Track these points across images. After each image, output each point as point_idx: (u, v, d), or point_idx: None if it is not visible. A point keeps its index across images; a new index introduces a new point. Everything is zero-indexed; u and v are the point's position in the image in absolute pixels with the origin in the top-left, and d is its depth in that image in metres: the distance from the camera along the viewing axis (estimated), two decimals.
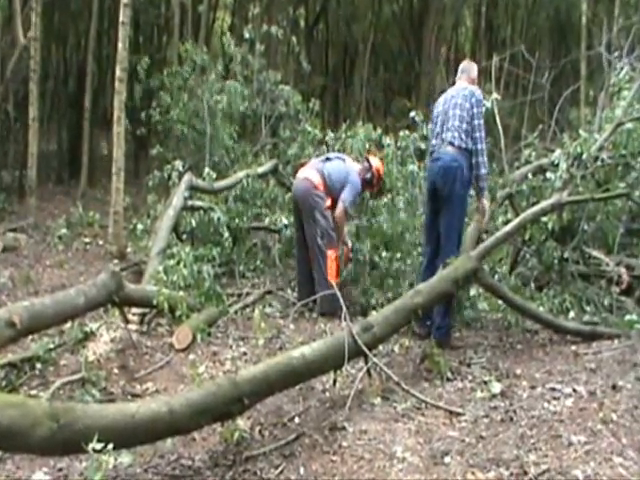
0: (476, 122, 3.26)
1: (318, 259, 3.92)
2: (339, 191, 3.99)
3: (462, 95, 3.32)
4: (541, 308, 3.49)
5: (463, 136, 3.26)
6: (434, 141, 3.44)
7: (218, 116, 6.34)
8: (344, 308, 2.70)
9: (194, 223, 4.72)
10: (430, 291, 2.86)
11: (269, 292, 4.42)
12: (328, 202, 3.99)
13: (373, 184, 4.24)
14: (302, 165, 4.38)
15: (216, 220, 4.66)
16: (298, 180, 4.10)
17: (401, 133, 5.20)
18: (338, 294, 2.88)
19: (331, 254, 3.93)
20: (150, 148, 7.15)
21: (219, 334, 3.51)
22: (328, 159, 4.19)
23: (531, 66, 6.00)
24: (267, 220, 5.10)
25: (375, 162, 4.24)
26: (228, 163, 6.32)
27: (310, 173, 4.06)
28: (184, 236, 4.77)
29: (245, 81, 6.70)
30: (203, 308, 3.65)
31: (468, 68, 3.50)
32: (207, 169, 5.13)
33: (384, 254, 4.25)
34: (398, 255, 4.23)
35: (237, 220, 4.98)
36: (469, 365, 3.01)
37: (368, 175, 4.16)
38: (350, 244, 4.24)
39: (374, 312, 3.05)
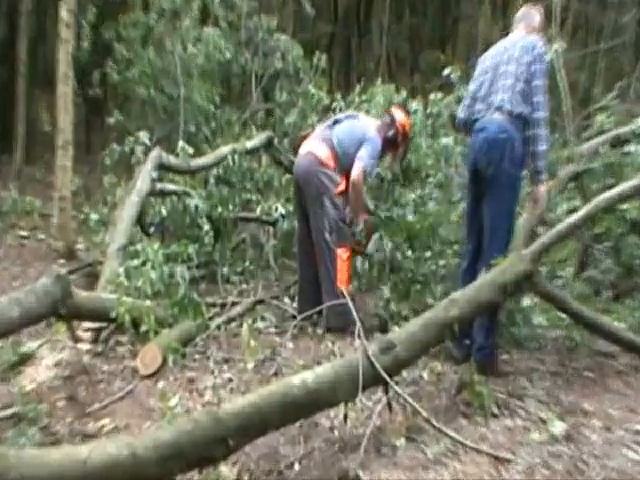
0: (536, 82, 3.25)
1: (325, 259, 3.93)
2: (354, 160, 3.95)
3: (520, 47, 3.31)
4: (619, 324, 3.49)
5: (518, 99, 3.26)
6: (477, 106, 3.45)
7: (194, 74, 6.37)
8: (358, 322, 2.70)
9: (164, 212, 4.77)
10: (470, 301, 2.86)
11: (261, 301, 4.46)
12: (341, 184, 3.97)
13: (397, 143, 4.17)
14: (304, 137, 4.39)
15: (193, 208, 4.71)
16: (300, 156, 4.09)
17: (432, 96, 5.22)
18: (350, 304, 2.88)
19: (342, 253, 3.94)
20: (107, 115, 7.18)
21: (197, 355, 3.52)
22: (336, 122, 4.17)
23: (606, 2, 5.94)
24: (259, 209, 5.15)
25: (399, 115, 4.17)
26: (208, 135, 6.36)
27: (315, 145, 4.05)
28: (152, 229, 4.81)
29: (230, 29, 6.73)
30: (176, 322, 3.67)
31: (529, 15, 3.49)
32: (181, 142, 5.18)
33: (410, 253, 4.27)
34: (428, 254, 4.25)
35: (220, 209, 5.03)
36: (521, 398, 3.01)
37: (390, 132, 4.11)
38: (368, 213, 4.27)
39: (397, 328, 3.04)
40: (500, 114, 3.28)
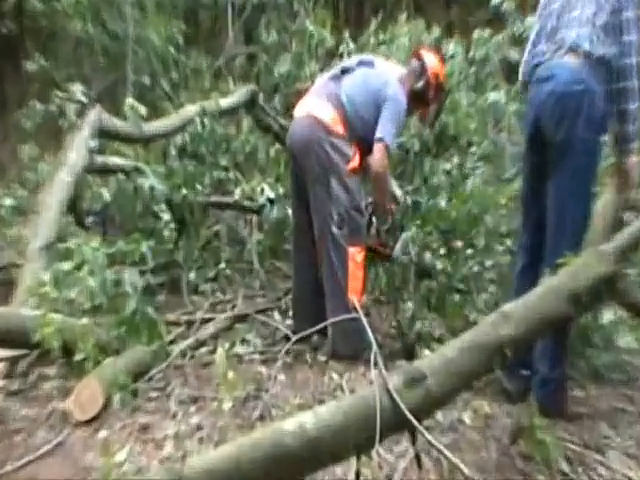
0: (628, 15, 3.25)
1: (332, 261, 3.94)
2: (372, 124, 3.94)
3: None
4: None
5: (600, 36, 3.26)
6: (541, 46, 3.45)
7: (147, 5, 6.38)
8: (374, 345, 2.69)
9: (107, 196, 4.77)
10: (528, 315, 2.84)
11: (242, 317, 4.49)
12: (354, 158, 3.98)
13: (428, 99, 4.18)
14: (301, 93, 4.41)
15: (147, 191, 4.73)
16: (296, 120, 4.10)
17: (476, 34, 5.21)
18: (364, 321, 2.87)
19: (355, 253, 3.94)
20: (24, 59, 7.19)
21: (154, 393, 3.52)
22: (345, 71, 4.16)
23: None
24: (238, 191, 5.14)
25: (431, 60, 4.18)
26: (168, 89, 6.36)
27: (316, 104, 4.05)
28: (90, 219, 4.82)
29: None
30: (124, 347, 3.66)
31: None
32: (130, 99, 5.19)
33: (444, 251, 4.26)
34: (469, 252, 4.27)
35: (185, 191, 5.06)
36: (601, 450, 3.01)
37: (419, 84, 4.12)
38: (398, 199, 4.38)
39: (427, 352, 3.03)
40: (574, 57, 3.28)
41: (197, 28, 7.16)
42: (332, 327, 3.75)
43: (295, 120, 4.11)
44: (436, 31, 5.57)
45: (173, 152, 5.39)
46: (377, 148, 3.86)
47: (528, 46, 3.58)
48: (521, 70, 3.62)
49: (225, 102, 5.63)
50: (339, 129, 3.95)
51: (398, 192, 4.67)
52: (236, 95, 5.82)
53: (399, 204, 4.54)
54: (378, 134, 3.87)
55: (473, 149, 5.05)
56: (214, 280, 4.99)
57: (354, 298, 3.76)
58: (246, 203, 5.21)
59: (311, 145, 3.94)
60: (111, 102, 5.55)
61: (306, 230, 4.07)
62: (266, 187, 5.10)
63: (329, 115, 3.97)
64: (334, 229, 3.91)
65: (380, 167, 3.87)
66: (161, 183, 4.86)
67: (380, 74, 4.06)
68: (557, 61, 3.33)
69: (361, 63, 4.18)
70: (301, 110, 4.09)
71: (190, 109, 5.48)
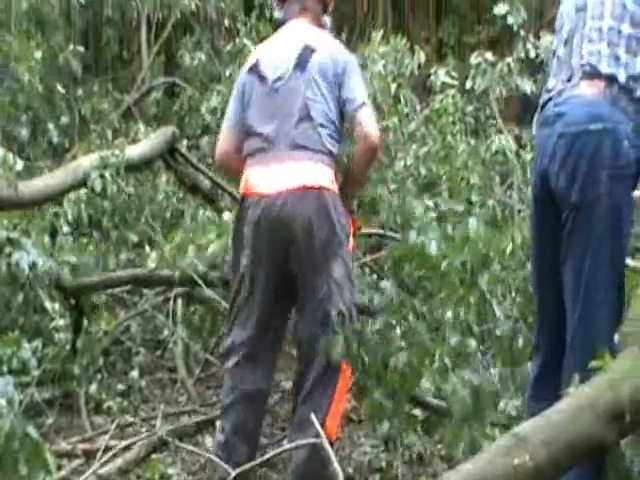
0: None
1: (319, 375, 4.11)
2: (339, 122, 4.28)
3: None
4: None
5: (623, 51, 3.36)
6: (551, 78, 3.58)
7: (17, 22, 6.58)
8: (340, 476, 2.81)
9: None
10: (550, 439, 2.86)
11: (162, 444, 4.53)
12: (352, 227, 4.31)
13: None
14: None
15: (26, 269, 4.73)
16: (277, 198, 4.15)
17: (475, 58, 5.39)
18: (330, 451, 3.00)
19: (347, 366, 4.11)
20: None
21: None
22: (276, 90, 4.32)
23: None
24: (153, 256, 5.20)
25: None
26: (55, 136, 6.49)
27: (296, 165, 4.17)
28: None
29: None
30: None
31: None
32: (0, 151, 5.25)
33: (427, 323, 4.29)
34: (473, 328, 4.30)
35: (80, 264, 5.15)
36: None
37: (326, 19, 4.62)
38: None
39: None
40: (590, 85, 3.34)
41: (100, 53, 7.28)
42: (303, 459, 3.86)
43: (270, 199, 4.16)
44: (422, 54, 5.70)
45: (62, 219, 5.44)
46: (366, 115, 4.20)
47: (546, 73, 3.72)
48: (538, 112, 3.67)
49: (134, 151, 5.70)
50: (334, 184, 4.19)
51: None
52: (150, 141, 5.90)
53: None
54: (358, 100, 4.20)
55: (474, 209, 5.19)
56: (123, 395, 5.00)
57: (334, 428, 3.96)
58: (164, 273, 5.14)
59: (313, 228, 4.09)
60: None
61: (271, 328, 4.25)
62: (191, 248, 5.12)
63: (320, 173, 4.15)
64: (331, 332, 4.04)
65: (378, 136, 4.23)
66: (45, 258, 4.84)
67: (318, 47, 4.31)
68: (568, 93, 3.40)
69: (281, 45, 4.43)
70: (273, 181, 4.17)
71: (85, 162, 5.52)
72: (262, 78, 4.28)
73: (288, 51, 4.31)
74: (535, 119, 3.69)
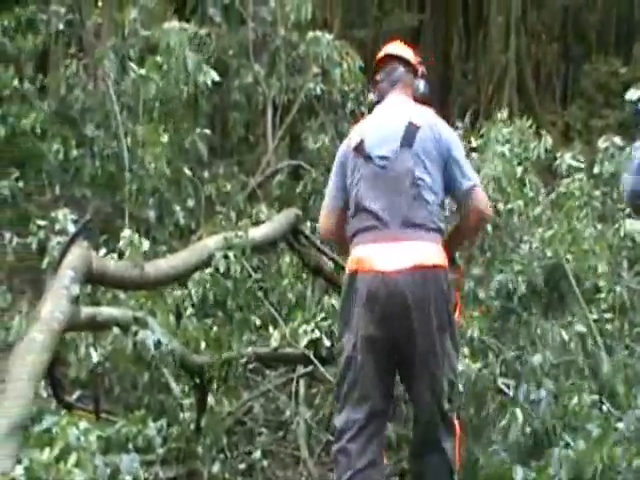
0: None
1: (444, 452, 4.22)
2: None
3: None
4: None
5: None
6: None
7: (145, 110, 6.80)
8: None
9: (95, 357, 4.91)
10: None
11: None
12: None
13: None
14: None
15: (152, 347, 4.81)
16: (393, 277, 4.22)
17: (603, 142, 5.36)
18: None
19: (458, 427, 4.32)
20: None
21: None
22: (383, 167, 4.40)
23: None
24: (275, 335, 5.29)
25: (403, 51, 4.80)
26: (180, 217, 6.64)
27: (413, 245, 4.27)
28: (76, 396, 4.84)
29: (227, 23, 7.20)
30: None
31: None
32: (127, 231, 5.39)
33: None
34: None
35: (207, 346, 5.22)
36: None
37: (420, 84, 4.79)
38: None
39: None
40: None
41: (226, 136, 7.42)
42: None
43: (386, 276, 4.21)
44: (548, 138, 5.69)
45: (188, 303, 5.52)
46: (478, 193, 4.42)
47: None
48: None
49: (258, 232, 5.73)
50: (445, 260, 4.32)
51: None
52: (273, 223, 5.95)
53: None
54: (470, 182, 4.41)
55: (600, 295, 5.14)
56: (244, 474, 5.02)
57: None
58: (288, 350, 5.27)
59: (428, 306, 4.20)
60: (105, 233, 5.76)
61: (384, 409, 4.34)
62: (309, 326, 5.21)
63: (433, 251, 4.27)
64: (446, 405, 4.19)
65: (488, 208, 4.51)
66: (170, 338, 4.90)
67: (424, 125, 4.42)
68: None
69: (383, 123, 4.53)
70: (388, 259, 4.23)
71: (209, 242, 5.58)
72: (368, 157, 4.38)
73: (393, 129, 4.41)
74: None
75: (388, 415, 4.45)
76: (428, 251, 4.26)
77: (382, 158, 4.33)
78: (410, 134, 4.35)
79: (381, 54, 4.78)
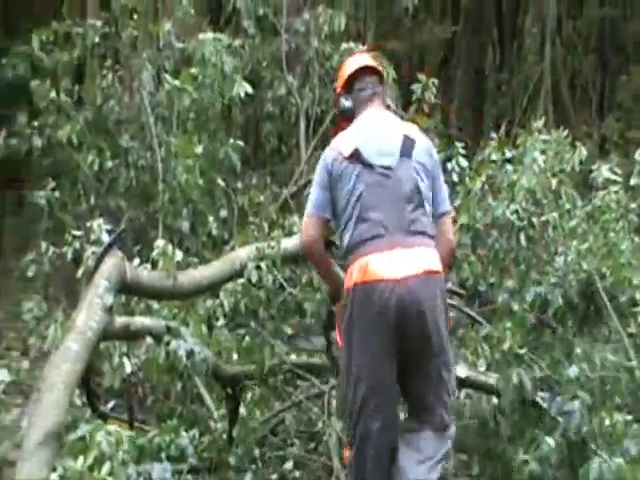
0: None
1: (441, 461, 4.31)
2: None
3: None
4: None
5: None
6: None
7: (180, 122, 6.84)
8: None
9: (129, 367, 4.96)
10: None
11: None
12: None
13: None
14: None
15: (184, 358, 4.81)
16: (403, 283, 4.26)
17: (639, 154, 5.33)
18: None
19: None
20: (28, 191, 7.71)
21: None
22: (386, 175, 4.44)
23: None
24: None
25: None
26: (214, 228, 6.66)
27: (419, 251, 4.35)
28: (110, 404, 4.89)
29: (261, 34, 7.22)
30: None
31: None
32: (160, 241, 5.41)
33: None
34: None
35: (239, 355, 5.26)
36: None
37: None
38: None
39: None
40: None
41: (260, 147, 7.47)
42: None
43: (398, 284, 4.24)
44: (583, 149, 5.66)
45: (220, 313, 5.54)
46: (449, 221, 4.70)
47: None
48: None
49: (290, 243, 5.74)
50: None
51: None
52: None
53: None
54: (446, 207, 4.66)
55: (637, 309, 5.10)
56: None
57: None
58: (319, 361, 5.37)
59: (438, 311, 4.32)
60: (138, 244, 5.78)
61: (393, 433, 4.34)
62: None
63: (436, 257, 4.39)
64: (447, 417, 4.29)
65: (455, 240, 4.80)
66: (202, 348, 4.90)
67: (413, 141, 4.53)
68: None
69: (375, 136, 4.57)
70: (398, 267, 4.27)
71: (241, 253, 5.60)
72: (369, 166, 4.40)
73: (389, 140, 4.51)
74: None
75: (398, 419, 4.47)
76: (433, 257, 4.36)
77: (384, 167, 4.40)
78: (408, 146, 4.46)
79: (358, 65, 4.84)
